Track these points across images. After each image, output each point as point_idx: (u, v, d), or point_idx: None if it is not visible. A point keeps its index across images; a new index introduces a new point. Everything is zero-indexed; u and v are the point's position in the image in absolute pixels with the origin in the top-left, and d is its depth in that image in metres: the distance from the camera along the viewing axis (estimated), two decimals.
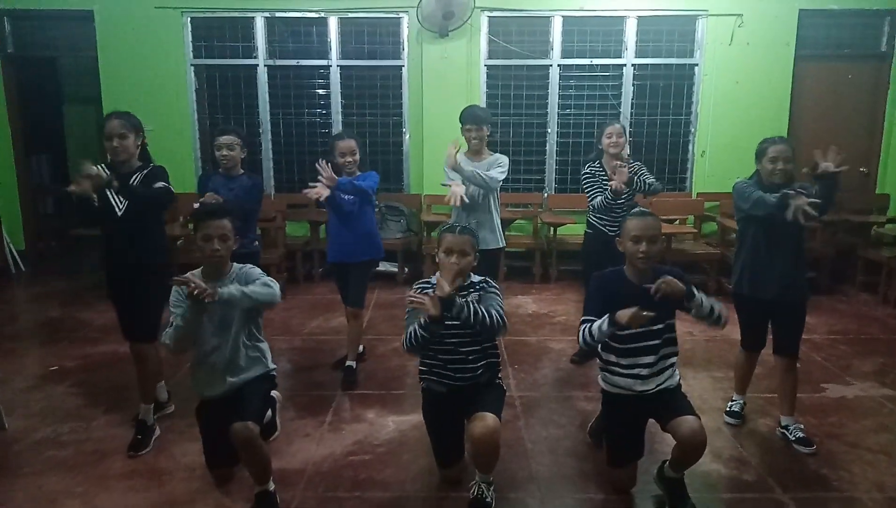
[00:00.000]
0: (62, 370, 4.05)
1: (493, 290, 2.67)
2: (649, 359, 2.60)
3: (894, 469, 2.91)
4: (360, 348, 4.10)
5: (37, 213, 7.24)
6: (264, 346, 2.80)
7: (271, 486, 2.61)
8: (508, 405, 3.53)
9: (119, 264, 3.17)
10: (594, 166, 4.09)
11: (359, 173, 3.79)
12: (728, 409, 3.41)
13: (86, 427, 3.28)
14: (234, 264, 2.72)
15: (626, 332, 2.52)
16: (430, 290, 2.55)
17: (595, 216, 4.12)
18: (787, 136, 6.44)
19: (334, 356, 4.18)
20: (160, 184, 3.07)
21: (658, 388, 2.61)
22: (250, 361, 2.73)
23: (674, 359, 2.67)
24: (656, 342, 2.60)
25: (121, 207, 3.03)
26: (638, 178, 3.94)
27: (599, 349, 2.70)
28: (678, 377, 2.69)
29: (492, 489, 2.63)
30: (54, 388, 3.77)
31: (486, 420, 2.51)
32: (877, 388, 3.82)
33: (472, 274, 2.69)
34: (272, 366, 2.83)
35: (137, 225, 3.10)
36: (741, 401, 3.42)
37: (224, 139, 3.66)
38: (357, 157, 3.77)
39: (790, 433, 3.16)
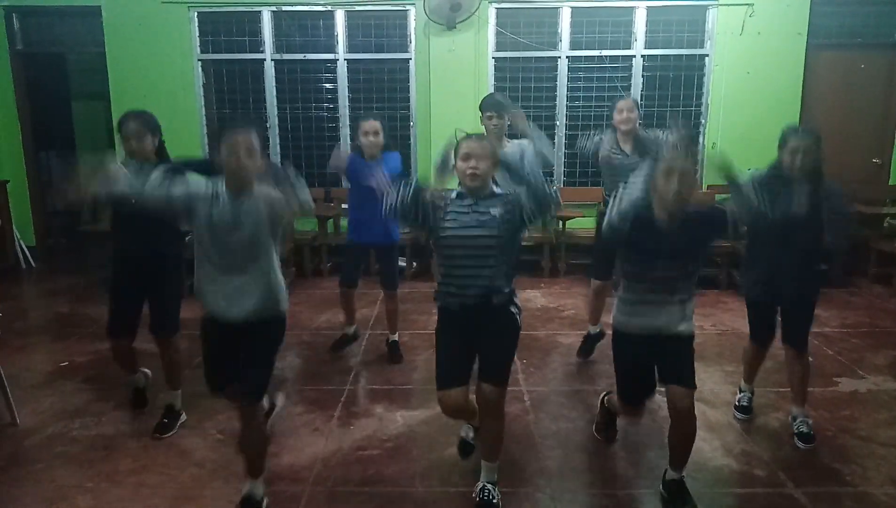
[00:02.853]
0: (72, 366, 4.07)
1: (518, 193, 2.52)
2: (665, 295, 2.51)
3: None
4: (353, 328, 4.21)
5: (46, 209, 7.27)
6: (281, 279, 2.56)
7: (259, 491, 2.52)
8: (517, 400, 3.53)
9: (133, 256, 3.19)
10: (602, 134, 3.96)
11: (380, 156, 3.82)
12: (737, 403, 3.38)
13: (96, 423, 3.30)
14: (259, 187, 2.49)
15: (650, 260, 2.48)
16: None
17: (609, 192, 3.85)
18: (799, 127, 6.37)
19: (342, 351, 4.18)
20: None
21: (669, 329, 2.52)
22: (267, 289, 2.48)
23: (691, 302, 2.56)
24: (676, 275, 2.50)
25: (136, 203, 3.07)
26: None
27: (620, 281, 2.63)
28: (693, 326, 2.57)
29: (497, 489, 2.60)
30: (64, 384, 3.79)
31: (488, 395, 2.51)
32: (890, 382, 3.78)
33: (494, 184, 2.56)
34: (285, 307, 2.61)
35: (151, 215, 3.11)
36: (749, 393, 3.38)
37: None
38: (381, 138, 3.81)
39: (794, 426, 3.13)
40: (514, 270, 2.58)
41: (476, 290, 2.48)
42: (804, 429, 3.08)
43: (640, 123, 3.89)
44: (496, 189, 2.56)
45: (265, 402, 2.99)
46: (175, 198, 2.43)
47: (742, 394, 3.39)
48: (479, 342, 2.55)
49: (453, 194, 2.57)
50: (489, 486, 2.59)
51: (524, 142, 3.76)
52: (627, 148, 3.84)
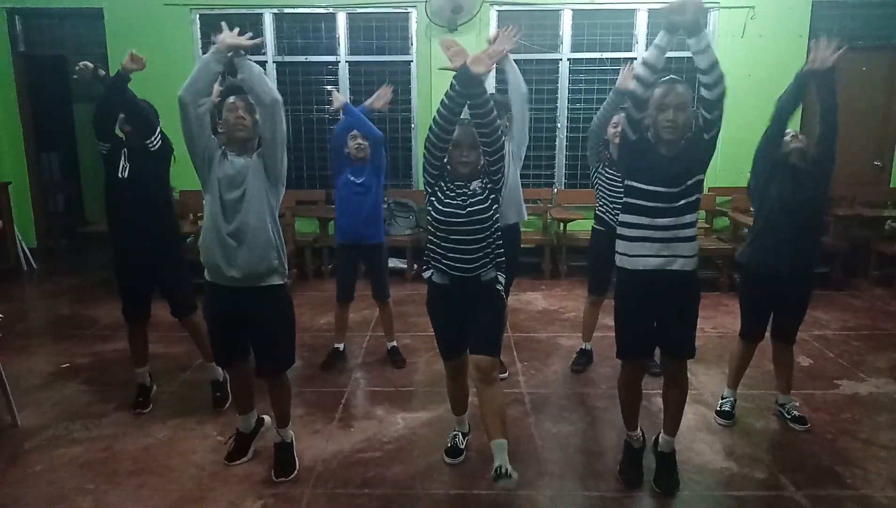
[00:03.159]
0: (73, 367, 4.07)
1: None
2: (666, 221, 2.48)
3: None
4: (342, 345, 4.18)
5: (47, 210, 7.28)
6: (281, 242, 2.66)
7: (289, 435, 2.89)
8: (518, 403, 3.53)
9: (134, 254, 3.26)
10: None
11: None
12: (718, 408, 3.34)
13: (97, 424, 3.30)
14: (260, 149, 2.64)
15: (649, 188, 2.49)
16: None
17: (603, 207, 3.78)
18: (801, 129, 6.35)
19: (344, 353, 4.18)
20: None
21: (674, 264, 2.51)
22: (265, 247, 2.58)
23: (693, 236, 2.53)
24: (675, 204, 2.47)
25: (124, 171, 3.18)
26: None
27: (620, 214, 2.63)
28: (697, 263, 2.55)
29: (512, 468, 2.54)
30: (65, 385, 3.79)
31: (484, 365, 2.59)
32: (891, 384, 3.78)
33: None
34: (284, 278, 2.70)
35: (144, 194, 3.20)
36: (732, 398, 3.35)
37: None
38: (368, 141, 3.78)
39: (786, 412, 3.27)
40: (499, 251, 2.67)
41: (466, 267, 2.58)
42: (796, 413, 3.26)
43: None
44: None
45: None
46: (211, 135, 2.59)
47: (725, 400, 3.35)
48: (469, 317, 2.66)
49: None
50: (506, 466, 2.47)
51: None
52: None
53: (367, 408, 3.51)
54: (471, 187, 2.56)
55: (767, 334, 3.25)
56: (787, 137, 3.04)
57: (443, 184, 2.60)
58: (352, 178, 3.84)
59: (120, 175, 3.16)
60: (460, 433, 3.01)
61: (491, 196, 2.57)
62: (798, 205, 2.97)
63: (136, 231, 3.22)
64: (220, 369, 3.44)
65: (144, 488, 2.74)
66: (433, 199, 2.60)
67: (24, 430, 3.23)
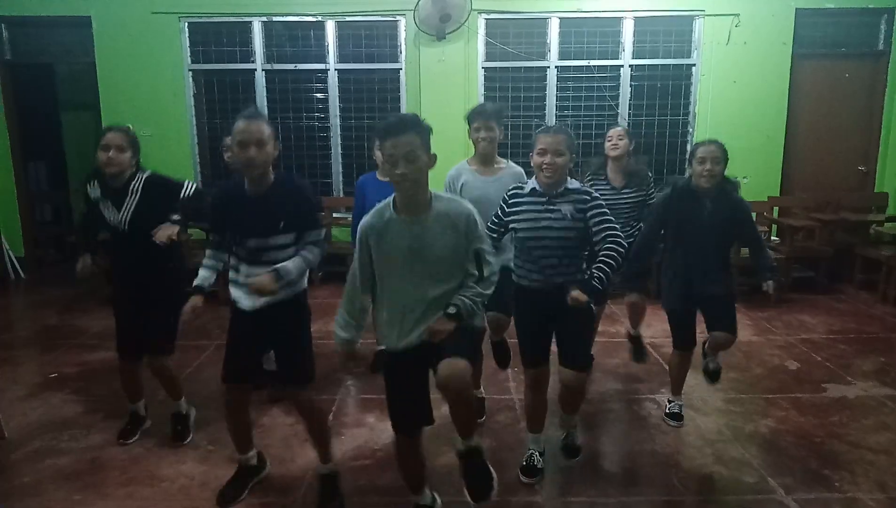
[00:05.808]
0: (60, 378, 4.03)
1: (596, 207, 2.56)
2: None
3: None
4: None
5: (35, 220, 7.23)
6: None
7: (474, 441, 2.24)
8: (509, 409, 3.54)
9: (128, 277, 3.06)
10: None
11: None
12: (667, 412, 3.42)
13: (85, 435, 3.27)
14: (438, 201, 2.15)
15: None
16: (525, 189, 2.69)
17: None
18: (785, 135, 6.45)
19: (333, 360, 4.16)
20: (187, 191, 3.02)
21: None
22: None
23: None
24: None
25: (123, 225, 2.92)
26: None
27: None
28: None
29: (577, 433, 3.02)
30: (53, 396, 3.76)
31: (571, 377, 2.71)
32: (878, 387, 3.81)
33: (569, 178, 2.62)
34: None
35: (143, 236, 2.89)
36: (679, 402, 3.43)
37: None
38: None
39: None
40: (581, 260, 2.69)
41: (549, 278, 2.61)
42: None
43: (631, 153, 3.79)
44: (570, 183, 2.61)
45: None
46: (371, 269, 2.26)
47: (671, 404, 3.44)
48: (556, 325, 2.70)
49: (527, 188, 2.66)
50: (573, 431, 3.01)
51: (518, 171, 3.26)
52: (616, 180, 3.75)
53: (357, 416, 3.50)
54: (563, 211, 2.57)
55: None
56: (698, 167, 3.06)
57: (507, 215, 2.70)
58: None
59: (120, 229, 2.94)
60: (537, 452, 2.89)
61: (580, 225, 2.57)
62: (692, 242, 3.12)
63: (133, 261, 3.01)
64: (184, 403, 3.25)
65: (133, 499, 2.72)
66: (512, 226, 2.70)
67: (10, 441, 3.20)
